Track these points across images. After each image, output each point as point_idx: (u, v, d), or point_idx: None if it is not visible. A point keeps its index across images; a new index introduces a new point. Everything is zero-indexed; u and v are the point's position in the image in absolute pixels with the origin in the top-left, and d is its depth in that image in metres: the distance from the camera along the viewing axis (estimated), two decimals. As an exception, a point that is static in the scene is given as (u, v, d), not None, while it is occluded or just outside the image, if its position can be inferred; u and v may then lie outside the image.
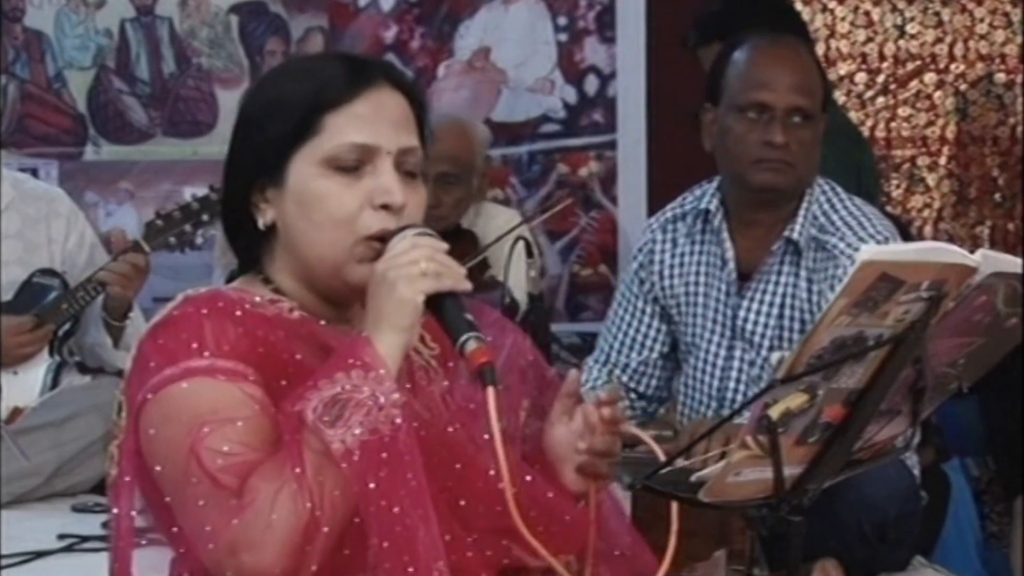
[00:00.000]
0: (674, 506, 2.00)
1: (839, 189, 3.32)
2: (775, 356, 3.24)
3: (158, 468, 1.81)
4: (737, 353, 3.30)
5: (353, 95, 1.91)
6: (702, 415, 3.34)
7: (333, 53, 2.08)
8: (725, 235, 3.31)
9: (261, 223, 1.94)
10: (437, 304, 1.84)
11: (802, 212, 3.25)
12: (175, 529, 1.81)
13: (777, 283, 3.26)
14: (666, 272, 3.41)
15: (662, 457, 2.07)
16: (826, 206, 3.26)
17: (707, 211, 3.34)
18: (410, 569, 1.77)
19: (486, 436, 1.88)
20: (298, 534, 1.73)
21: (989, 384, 3.88)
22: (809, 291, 3.23)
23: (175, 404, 1.81)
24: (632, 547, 2.04)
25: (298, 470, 1.74)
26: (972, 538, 4.16)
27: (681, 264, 3.39)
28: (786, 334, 3.25)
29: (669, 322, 3.44)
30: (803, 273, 3.24)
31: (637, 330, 3.46)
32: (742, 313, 3.29)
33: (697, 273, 3.36)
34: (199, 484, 1.76)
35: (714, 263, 3.34)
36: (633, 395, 3.44)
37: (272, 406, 1.82)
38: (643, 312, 3.46)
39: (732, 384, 3.31)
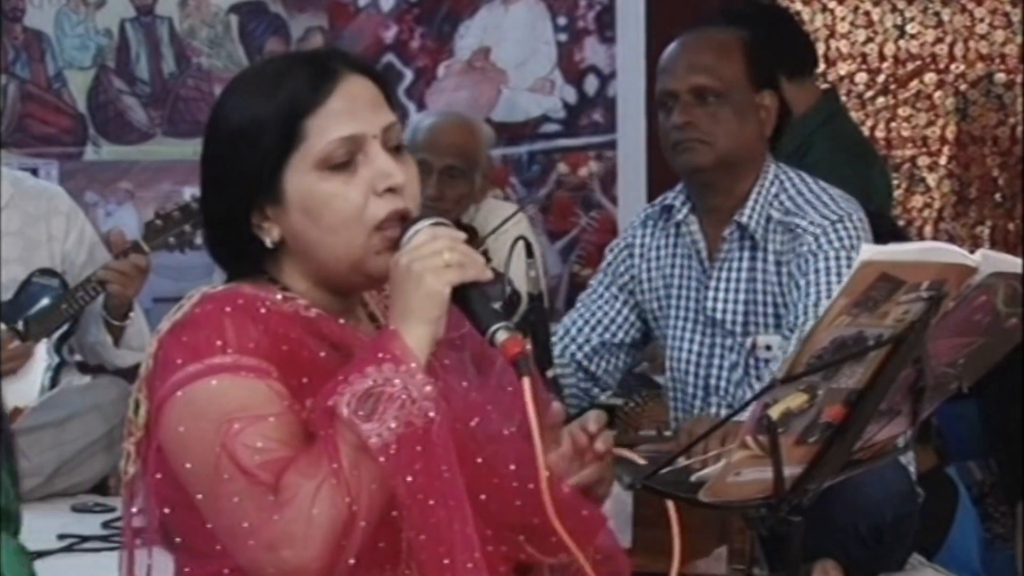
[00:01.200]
0: (671, 507, 2.00)
1: (804, 174, 3.36)
2: (749, 342, 3.29)
3: (188, 465, 1.81)
4: (718, 340, 3.33)
5: (326, 94, 1.91)
6: (689, 404, 3.38)
7: (288, 57, 2.09)
8: (694, 227, 3.35)
9: (269, 242, 1.94)
10: (462, 295, 1.85)
11: (753, 195, 3.29)
12: (209, 527, 1.81)
13: (739, 268, 3.30)
14: (645, 266, 3.46)
15: (641, 462, 2.08)
16: (792, 191, 3.29)
17: (671, 206, 3.40)
18: (445, 561, 1.79)
19: (504, 432, 1.91)
20: (338, 528, 1.75)
21: (989, 388, 3.89)
22: (778, 273, 3.26)
23: (204, 401, 1.81)
24: (606, 548, 2.05)
25: (335, 465, 1.75)
26: (974, 540, 4.16)
27: (658, 258, 3.44)
28: (759, 319, 3.28)
29: (640, 316, 3.48)
30: (770, 257, 3.27)
31: (604, 312, 3.50)
32: (709, 303, 3.32)
33: (672, 266, 3.41)
34: (232, 481, 1.77)
35: (686, 254, 3.38)
36: (581, 373, 3.47)
37: (296, 403, 1.82)
38: (614, 297, 3.50)
39: (715, 372, 3.34)
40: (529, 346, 1.86)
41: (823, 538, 2.98)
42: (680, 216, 3.36)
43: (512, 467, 1.90)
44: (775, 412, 1.97)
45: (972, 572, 4.05)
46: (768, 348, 3.23)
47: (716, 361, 3.34)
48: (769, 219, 3.26)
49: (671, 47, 3.37)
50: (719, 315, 3.31)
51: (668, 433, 3.29)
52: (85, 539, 3.49)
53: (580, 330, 3.50)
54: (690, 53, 3.31)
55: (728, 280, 3.30)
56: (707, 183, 3.31)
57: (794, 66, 4.30)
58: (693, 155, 3.27)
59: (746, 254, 3.29)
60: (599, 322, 3.49)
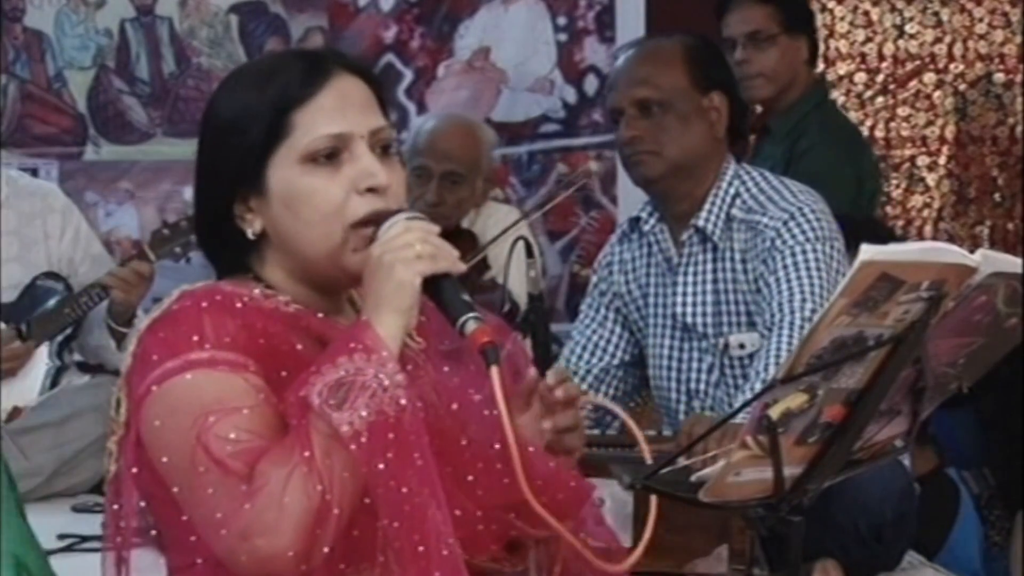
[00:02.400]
0: (652, 501, 2.01)
1: (766, 172, 3.40)
2: (721, 342, 3.30)
3: (164, 459, 1.82)
4: (693, 344, 3.36)
5: (316, 89, 1.92)
6: (672, 410, 3.41)
7: (284, 52, 2.10)
8: (663, 235, 3.39)
9: (250, 233, 1.95)
10: (434, 286, 1.86)
11: (710, 198, 3.31)
12: (184, 518, 1.82)
13: (703, 271, 3.33)
14: (623, 279, 3.49)
15: (648, 457, 2.08)
16: (753, 188, 3.32)
17: (639, 218, 3.44)
18: (420, 548, 1.79)
19: (485, 412, 1.92)
20: (310, 516, 1.75)
21: (988, 396, 3.88)
22: (744, 271, 3.28)
23: (180, 396, 1.83)
24: (607, 541, 2.05)
25: (307, 453, 1.76)
26: (976, 541, 4.16)
27: (634, 270, 3.47)
28: (730, 318, 3.31)
29: (631, 331, 3.49)
30: (736, 255, 3.30)
31: (600, 336, 3.52)
32: (679, 308, 3.35)
33: (647, 275, 3.44)
34: (207, 472, 1.77)
35: (657, 263, 3.42)
36: (589, 403, 3.46)
37: (274, 396, 1.83)
38: (605, 319, 3.52)
39: (694, 375, 3.37)
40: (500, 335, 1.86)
41: (823, 538, 2.98)
42: (647, 227, 3.40)
43: (496, 447, 1.90)
44: (775, 412, 1.97)
45: (973, 573, 4.06)
46: (742, 346, 3.27)
47: (693, 365, 3.37)
48: (731, 219, 3.30)
49: (615, 64, 3.44)
50: (689, 319, 3.34)
51: (667, 433, 3.29)
52: (85, 539, 3.48)
53: (580, 358, 3.51)
54: (630, 68, 3.36)
55: (695, 284, 3.34)
56: (663, 192, 3.35)
57: None
58: (643, 167, 3.32)
59: (708, 256, 3.32)
60: (596, 346, 3.51)
